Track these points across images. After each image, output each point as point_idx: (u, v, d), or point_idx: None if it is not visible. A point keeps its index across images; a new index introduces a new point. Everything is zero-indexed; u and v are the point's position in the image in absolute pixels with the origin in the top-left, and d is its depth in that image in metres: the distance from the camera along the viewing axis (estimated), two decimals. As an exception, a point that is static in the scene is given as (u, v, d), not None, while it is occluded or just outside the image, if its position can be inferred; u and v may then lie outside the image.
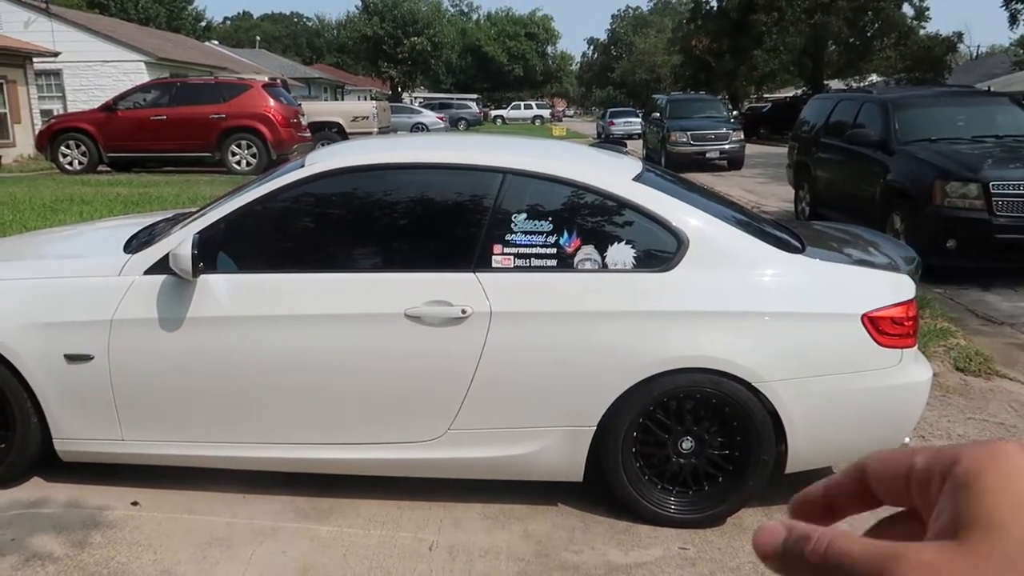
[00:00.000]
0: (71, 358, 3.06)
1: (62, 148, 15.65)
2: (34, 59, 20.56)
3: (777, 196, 12.83)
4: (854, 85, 30.81)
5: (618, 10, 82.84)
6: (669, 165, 16.39)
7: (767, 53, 35.09)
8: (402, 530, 3.01)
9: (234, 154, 15.52)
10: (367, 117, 20.01)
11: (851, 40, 33.61)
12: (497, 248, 3.02)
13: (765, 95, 45.58)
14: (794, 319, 2.95)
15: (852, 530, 0.35)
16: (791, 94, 37.88)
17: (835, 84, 32.74)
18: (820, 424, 2.97)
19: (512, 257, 3.02)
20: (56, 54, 21.09)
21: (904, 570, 0.31)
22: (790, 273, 3.05)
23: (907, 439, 3.12)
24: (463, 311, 2.93)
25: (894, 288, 3.04)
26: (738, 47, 34.82)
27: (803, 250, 3.22)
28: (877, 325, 2.94)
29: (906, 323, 2.97)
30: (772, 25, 32.49)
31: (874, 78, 36.35)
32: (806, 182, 10.03)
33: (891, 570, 0.31)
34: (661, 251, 3.02)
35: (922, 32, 34.12)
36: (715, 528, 3.05)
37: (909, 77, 32.83)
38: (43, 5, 23.64)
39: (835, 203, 9.00)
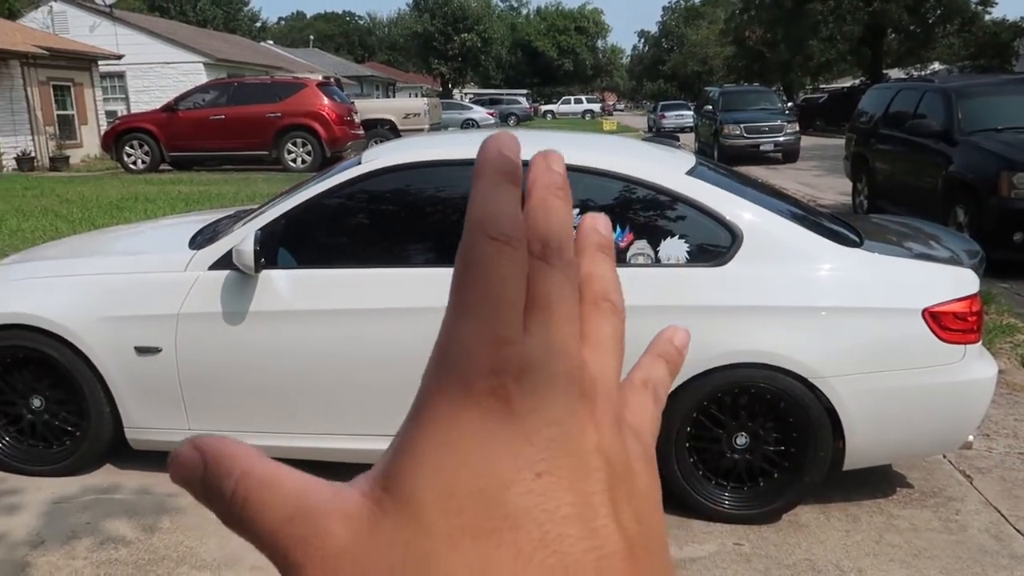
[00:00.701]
0: (141, 350, 3.19)
1: (126, 148, 16.21)
2: (99, 62, 21.31)
3: (834, 189, 12.55)
4: (915, 74, 29.86)
5: (669, 2, 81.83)
6: (722, 158, 16.15)
7: (823, 42, 34.23)
8: (456, 521, 3.06)
9: (289, 152, 15.86)
10: (418, 114, 20.20)
11: (912, 27, 32.57)
12: (550, 243, 3.04)
13: (821, 85, 44.51)
14: (852, 314, 2.90)
15: None
16: (848, 84, 36.93)
17: (895, 73, 31.80)
18: (879, 421, 2.92)
19: (565, 252, 3.03)
20: (120, 57, 21.84)
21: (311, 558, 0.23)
22: (848, 267, 3.00)
23: (971, 437, 3.05)
24: (516, 305, 2.96)
25: (956, 282, 2.97)
26: (793, 37, 34.05)
27: (861, 244, 3.16)
28: (939, 320, 2.87)
29: (969, 318, 2.90)
30: (828, 14, 31.69)
31: (936, 66, 35.16)
32: (864, 174, 9.79)
33: (295, 559, 0.23)
34: (715, 245, 3.00)
35: (987, 18, 32.86)
36: (771, 524, 3.03)
37: (973, 65, 31.67)
38: (107, 9, 24.48)
39: (895, 196, 8.77)
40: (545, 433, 0.24)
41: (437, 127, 20.66)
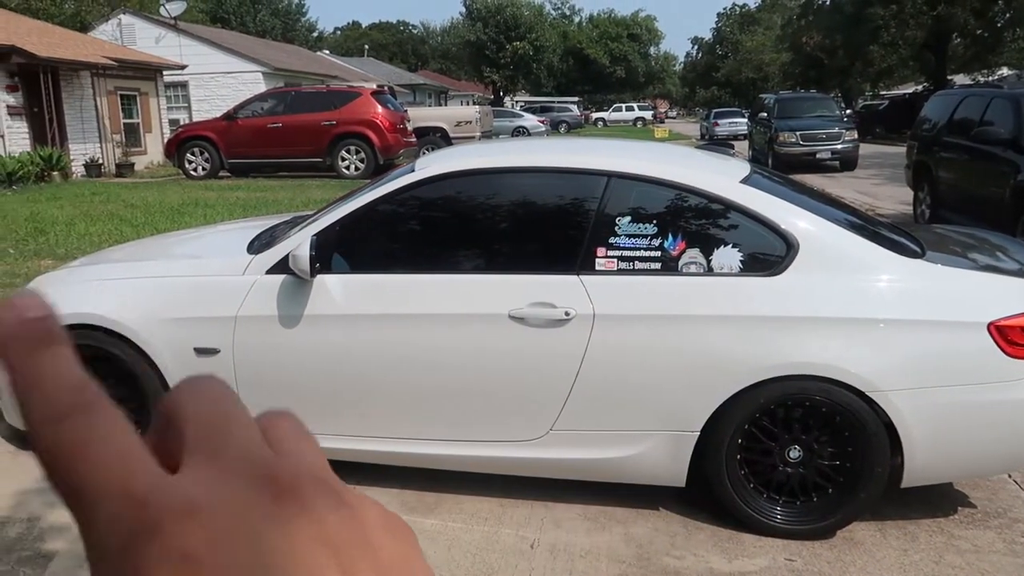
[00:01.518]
0: (200, 351, 3.29)
1: (188, 155, 16.71)
2: (163, 72, 22.04)
3: (894, 198, 12.21)
4: (981, 80, 28.90)
5: (724, 8, 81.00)
6: (777, 166, 15.87)
7: (884, 48, 33.38)
8: (504, 527, 3.07)
9: (343, 159, 16.13)
10: (470, 122, 20.34)
11: (978, 32, 31.51)
12: (601, 251, 3.03)
13: (881, 92, 43.40)
14: (912, 327, 2.82)
15: None
16: (910, 91, 35.91)
17: (959, 79, 30.82)
18: (940, 437, 2.83)
19: (616, 260, 3.02)
20: (183, 67, 22.53)
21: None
22: (908, 279, 2.92)
23: (1038, 456, 2.93)
24: (566, 313, 2.96)
25: (1025, 296, 2.86)
26: (852, 43, 33.29)
27: (923, 255, 3.07)
28: (1005, 335, 2.77)
29: (1038, 333, 2.79)
30: (890, 19, 30.87)
31: (1004, 71, 33.96)
32: (927, 183, 9.50)
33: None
34: (770, 255, 2.95)
35: (1060, 21, 31.59)
36: (824, 541, 2.96)
37: (1045, 70, 30.49)
38: (172, 22, 25.31)
39: (959, 205, 8.49)
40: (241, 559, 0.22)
41: (488, 135, 20.77)
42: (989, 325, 2.78)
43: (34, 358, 0.24)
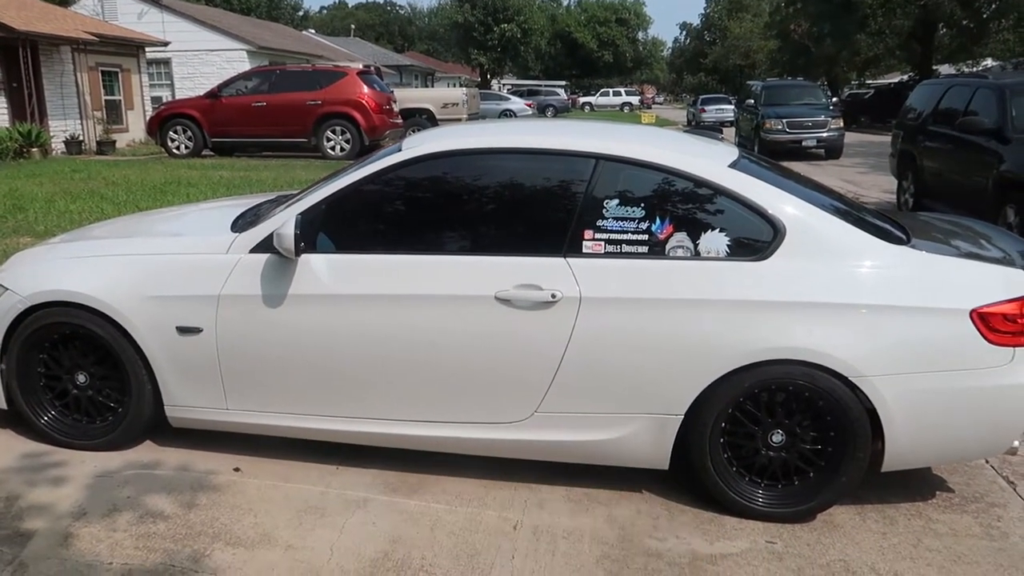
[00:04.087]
0: (182, 330, 3.25)
1: (170, 133, 16.51)
2: (146, 48, 21.71)
3: (878, 186, 12.29)
4: (966, 70, 29.05)
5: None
6: (763, 153, 15.86)
7: (871, 37, 33.44)
8: (487, 508, 3.08)
9: (329, 140, 16.00)
10: (457, 104, 20.24)
11: (964, 22, 31.64)
12: (588, 233, 3.02)
13: (867, 81, 43.52)
14: (896, 313, 2.84)
15: None
16: (896, 80, 36.07)
17: (945, 69, 30.97)
18: (921, 422, 2.85)
19: (603, 243, 3.02)
20: (166, 44, 22.22)
21: None
22: (893, 265, 2.93)
23: (1016, 442, 2.96)
24: (553, 295, 2.95)
25: (1007, 283, 2.88)
26: (840, 31, 33.31)
27: (908, 241, 3.09)
28: (988, 322, 2.80)
29: (1020, 320, 2.82)
30: (878, 7, 30.93)
31: (989, 62, 34.14)
32: (911, 172, 9.56)
33: None
34: (757, 239, 2.96)
35: (1045, 13, 31.78)
36: (805, 524, 2.99)
37: (1029, 61, 30.69)
38: (155, -3, 24.88)
39: (942, 194, 8.55)
40: None
41: (475, 117, 20.67)
42: (971, 312, 2.80)
43: None
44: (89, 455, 3.46)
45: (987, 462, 3.51)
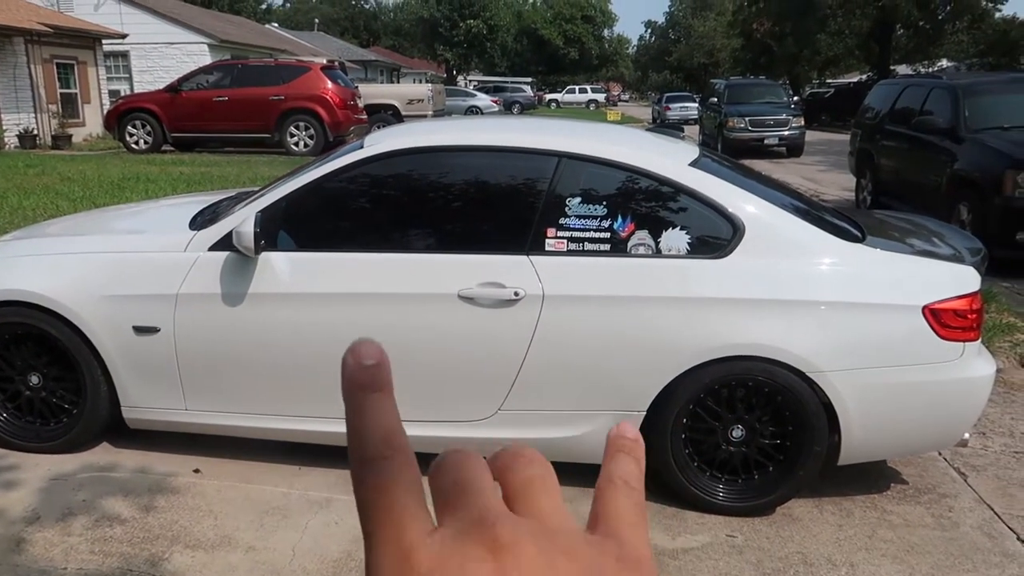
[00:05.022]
0: (139, 330, 3.19)
1: (129, 128, 16.15)
2: (103, 41, 21.21)
3: (837, 184, 12.51)
4: (923, 71, 29.71)
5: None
6: (726, 151, 16.10)
7: (831, 37, 34.07)
8: (451, 506, 3.07)
9: (292, 135, 15.80)
10: (422, 100, 20.11)
11: (921, 23, 32.38)
12: (551, 231, 3.03)
13: (828, 80, 44.28)
14: (852, 309, 2.90)
15: None
16: (855, 79, 36.74)
17: (902, 69, 31.63)
18: (876, 416, 2.92)
19: (566, 241, 3.03)
20: (124, 36, 21.73)
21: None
22: (849, 262, 2.99)
23: (967, 435, 3.05)
24: (516, 293, 2.96)
25: (958, 280, 2.96)
26: (801, 30, 33.88)
27: (863, 239, 3.15)
28: (939, 317, 2.87)
29: (969, 316, 2.90)
30: (838, 8, 31.53)
31: (944, 63, 34.98)
32: (869, 170, 9.76)
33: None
34: (716, 237, 2.99)
35: (997, 15, 32.68)
36: (764, 517, 3.04)
37: (982, 63, 31.50)
38: (112, -12, 24.30)
39: (898, 192, 8.75)
40: None
41: (441, 113, 20.58)
42: (924, 308, 2.87)
43: (362, 401, 0.29)
44: (43, 458, 3.38)
45: (940, 454, 3.60)
